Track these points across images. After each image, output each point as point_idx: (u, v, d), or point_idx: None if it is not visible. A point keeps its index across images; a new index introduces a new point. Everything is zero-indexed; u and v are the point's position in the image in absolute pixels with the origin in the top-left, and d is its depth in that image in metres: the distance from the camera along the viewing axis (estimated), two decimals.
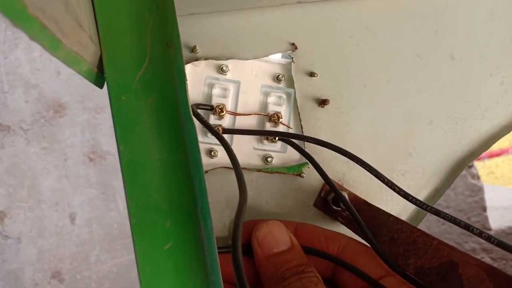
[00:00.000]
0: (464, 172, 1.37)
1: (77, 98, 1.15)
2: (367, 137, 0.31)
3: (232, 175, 0.31)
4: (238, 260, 0.17)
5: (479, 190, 1.44)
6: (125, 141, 0.21)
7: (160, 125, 0.21)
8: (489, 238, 0.21)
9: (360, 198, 0.30)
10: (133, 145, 0.21)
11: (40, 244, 1.11)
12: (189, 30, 0.29)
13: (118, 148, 0.20)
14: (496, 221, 1.37)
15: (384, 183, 0.26)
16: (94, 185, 1.12)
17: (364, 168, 0.26)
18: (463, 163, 0.33)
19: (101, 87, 0.23)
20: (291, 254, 0.25)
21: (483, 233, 0.21)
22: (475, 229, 0.22)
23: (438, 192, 0.32)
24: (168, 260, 0.20)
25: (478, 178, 1.48)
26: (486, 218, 1.35)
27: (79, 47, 0.17)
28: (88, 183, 1.12)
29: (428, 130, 0.32)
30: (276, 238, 0.26)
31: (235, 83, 0.30)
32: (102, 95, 1.16)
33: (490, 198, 1.44)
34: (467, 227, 0.22)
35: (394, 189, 0.25)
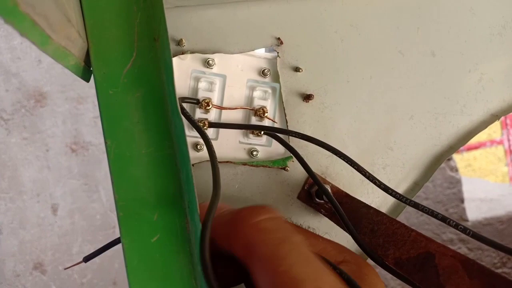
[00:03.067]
0: (443, 165, 1.40)
1: (59, 88, 1.13)
2: (350, 132, 0.32)
3: None
4: (205, 258, 0.17)
5: (457, 182, 1.47)
6: (112, 135, 0.21)
7: (148, 120, 0.21)
8: (464, 230, 0.22)
9: (342, 191, 0.31)
10: (120, 139, 0.21)
11: (22, 235, 1.10)
12: (175, 23, 0.30)
13: (106, 142, 0.21)
14: (473, 213, 1.41)
15: (365, 177, 0.26)
16: (76, 176, 1.11)
17: (346, 162, 0.27)
18: (442, 158, 0.34)
19: (87, 81, 0.23)
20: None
21: (459, 225, 0.22)
22: (451, 221, 0.23)
23: (417, 185, 0.33)
24: (155, 252, 0.20)
25: (457, 170, 1.52)
26: (464, 209, 1.39)
27: (67, 42, 0.17)
28: (70, 174, 1.11)
29: (409, 125, 0.33)
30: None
31: (221, 77, 0.31)
32: (84, 85, 1.15)
33: (468, 190, 1.48)
34: (444, 219, 0.23)
35: (375, 183, 0.26)
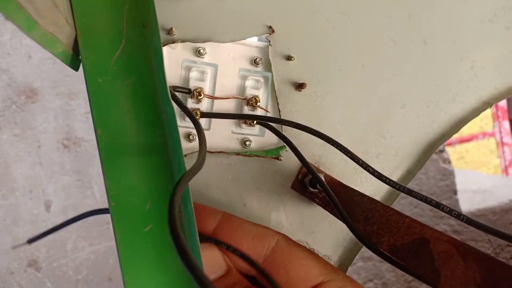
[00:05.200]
0: (435, 157, 1.41)
1: (49, 84, 1.12)
2: (342, 121, 0.32)
3: (210, 159, 0.31)
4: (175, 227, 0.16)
5: (450, 174, 1.48)
6: (102, 124, 0.21)
7: (138, 108, 0.21)
8: (458, 216, 0.22)
9: (335, 180, 0.30)
10: (111, 128, 0.21)
11: (15, 232, 1.09)
12: (165, 11, 0.29)
13: (96, 131, 0.20)
14: (466, 204, 1.42)
15: (358, 165, 0.26)
16: (69, 172, 1.10)
17: (340, 150, 0.27)
18: (435, 145, 0.34)
19: (76, 69, 0.22)
20: (229, 279, 0.23)
21: (452, 211, 0.22)
22: (445, 207, 0.23)
23: (410, 173, 0.33)
24: (148, 242, 0.20)
25: (449, 162, 1.52)
26: (457, 201, 1.40)
27: (54, 28, 0.17)
28: (63, 170, 1.10)
29: (401, 114, 0.33)
30: (211, 264, 0.23)
31: (213, 66, 0.30)
32: (75, 80, 1.14)
33: (460, 181, 1.49)
34: (437, 205, 0.23)
35: (368, 170, 0.26)
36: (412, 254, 0.21)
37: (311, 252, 0.26)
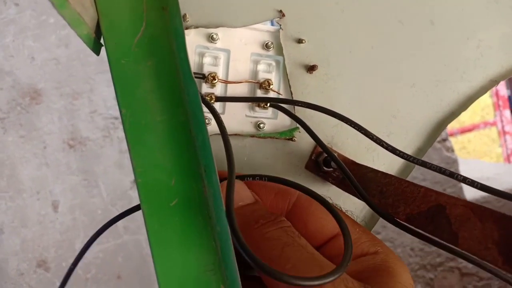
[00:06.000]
0: (439, 146, 1.41)
1: (53, 84, 1.12)
2: (353, 101, 0.32)
3: None
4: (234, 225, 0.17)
5: (454, 162, 1.48)
6: (126, 104, 0.21)
7: (161, 88, 0.22)
8: (472, 183, 0.22)
9: (348, 159, 0.31)
10: (135, 108, 0.21)
11: (24, 233, 1.10)
12: None
13: (121, 111, 0.21)
14: (470, 192, 1.43)
15: (373, 141, 0.27)
16: (75, 172, 1.11)
17: (354, 128, 0.28)
18: (444, 123, 0.35)
19: (97, 53, 0.23)
20: (257, 206, 0.25)
21: (466, 179, 0.23)
22: (459, 176, 0.23)
23: (421, 151, 0.34)
24: (174, 216, 0.20)
25: (453, 151, 1.53)
26: (461, 189, 1.40)
27: (81, 8, 0.17)
28: (69, 170, 1.11)
29: (411, 93, 0.34)
30: (240, 194, 0.25)
31: (225, 51, 0.31)
32: (78, 80, 1.14)
33: (464, 170, 1.50)
34: (451, 175, 0.23)
35: (382, 145, 0.27)
36: (429, 221, 0.22)
37: None
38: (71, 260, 1.08)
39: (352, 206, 0.33)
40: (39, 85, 1.12)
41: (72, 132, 1.11)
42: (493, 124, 2.97)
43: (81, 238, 1.10)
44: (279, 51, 0.31)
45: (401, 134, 0.34)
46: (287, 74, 0.31)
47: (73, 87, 1.12)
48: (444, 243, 0.21)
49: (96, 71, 1.13)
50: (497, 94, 2.88)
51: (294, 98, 0.32)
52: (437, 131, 0.35)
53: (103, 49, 0.23)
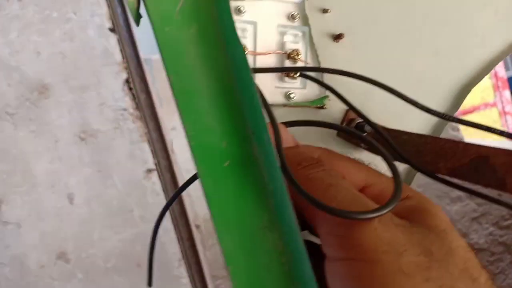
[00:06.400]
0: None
1: (61, 78, 1.13)
2: (379, 69, 0.33)
3: None
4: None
5: (460, 140, 1.48)
6: (173, 70, 0.22)
7: (204, 54, 0.22)
8: (510, 135, 0.23)
9: (379, 125, 0.32)
10: (182, 74, 0.22)
11: (41, 226, 1.11)
12: None
13: (168, 78, 0.22)
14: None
15: (406, 102, 0.27)
16: (88, 164, 1.12)
17: (386, 90, 0.28)
18: (468, 87, 0.36)
19: (138, 24, 0.24)
20: (299, 149, 0.25)
21: (503, 132, 0.23)
22: (496, 130, 0.24)
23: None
24: (228, 176, 0.21)
25: (458, 130, 1.53)
26: None
27: None
28: (82, 162, 1.12)
29: (435, 60, 0.34)
30: (282, 137, 0.24)
31: (252, 23, 0.31)
32: (85, 73, 1.15)
33: None
34: (488, 129, 0.24)
35: (416, 105, 0.27)
36: (473, 171, 0.22)
37: (354, 161, 0.26)
38: (90, 251, 1.10)
39: (384, 169, 0.33)
40: (46, 79, 1.12)
41: (82, 125, 1.12)
42: (493, 105, 2.95)
43: (99, 228, 1.12)
44: (305, 21, 0.32)
45: (427, 100, 0.34)
46: (314, 44, 0.32)
47: (81, 80, 1.13)
48: (488, 195, 0.22)
49: (102, 63, 1.13)
50: (496, 75, 2.86)
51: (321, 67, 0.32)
52: (461, 96, 0.35)
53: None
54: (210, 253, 1.52)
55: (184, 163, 1.36)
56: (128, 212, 1.12)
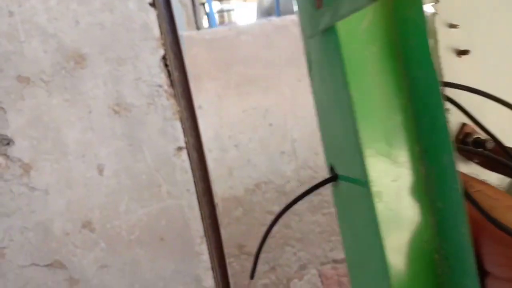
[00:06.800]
0: None
1: (98, 49, 1.12)
2: (505, 87, 0.34)
3: None
4: None
5: None
6: (354, 86, 0.23)
7: (384, 72, 0.23)
8: None
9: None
10: (362, 89, 0.23)
11: (68, 195, 1.12)
12: None
13: (350, 94, 0.23)
14: None
15: None
16: (120, 137, 1.13)
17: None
18: None
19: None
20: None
21: None
22: None
23: None
24: (401, 200, 0.22)
25: None
26: None
27: None
28: (114, 135, 1.12)
29: None
30: None
31: None
32: (123, 46, 1.14)
33: None
34: None
35: None
36: None
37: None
38: (115, 222, 1.12)
39: (494, 183, 0.35)
40: (83, 49, 1.12)
41: (117, 98, 1.12)
42: None
43: (126, 201, 1.13)
44: (433, 34, 0.33)
45: None
46: (439, 57, 0.33)
47: (118, 53, 1.12)
48: None
49: (140, 37, 1.12)
50: None
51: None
52: None
53: None
54: (225, 232, 1.54)
55: (206, 143, 1.37)
56: (156, 187, 1.13)
